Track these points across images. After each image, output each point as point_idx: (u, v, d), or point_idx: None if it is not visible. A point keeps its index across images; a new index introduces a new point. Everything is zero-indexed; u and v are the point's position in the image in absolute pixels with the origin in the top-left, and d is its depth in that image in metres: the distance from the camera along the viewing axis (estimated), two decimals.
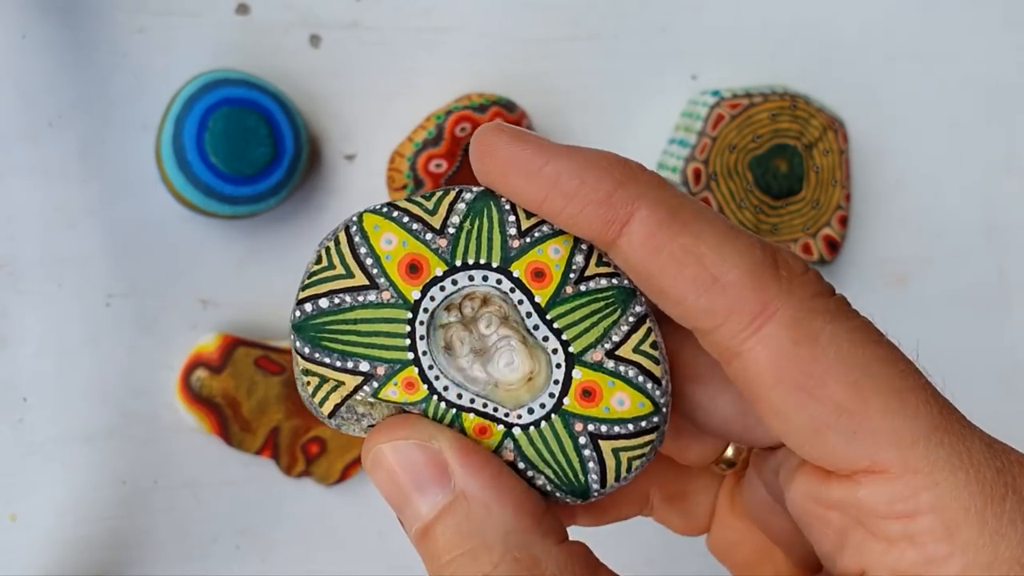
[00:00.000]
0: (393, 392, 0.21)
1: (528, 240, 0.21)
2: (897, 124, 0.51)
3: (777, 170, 0.47)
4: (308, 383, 0.21)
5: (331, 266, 0.21)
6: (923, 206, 0.51)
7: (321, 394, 0.21)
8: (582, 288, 0.21)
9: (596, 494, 0.21)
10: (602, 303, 0.21)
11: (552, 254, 0.21)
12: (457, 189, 0.21)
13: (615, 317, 0.21)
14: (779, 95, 0.47)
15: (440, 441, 0.20)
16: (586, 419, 0.20)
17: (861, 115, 0.50)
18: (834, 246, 0.48)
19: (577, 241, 0.21)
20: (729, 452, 0.25)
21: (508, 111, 0.44)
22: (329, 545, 0.45)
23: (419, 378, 0.21)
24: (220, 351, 0.42)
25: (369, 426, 0.21)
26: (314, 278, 0.21)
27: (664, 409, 0.21)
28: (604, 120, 0.47)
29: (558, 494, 0.21)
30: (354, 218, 0.21)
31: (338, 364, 0.21)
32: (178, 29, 0.42)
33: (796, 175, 0.47)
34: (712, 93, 0.47)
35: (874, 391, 0.19)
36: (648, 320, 0.21)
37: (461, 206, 0.21)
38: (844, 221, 0.48)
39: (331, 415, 0.21)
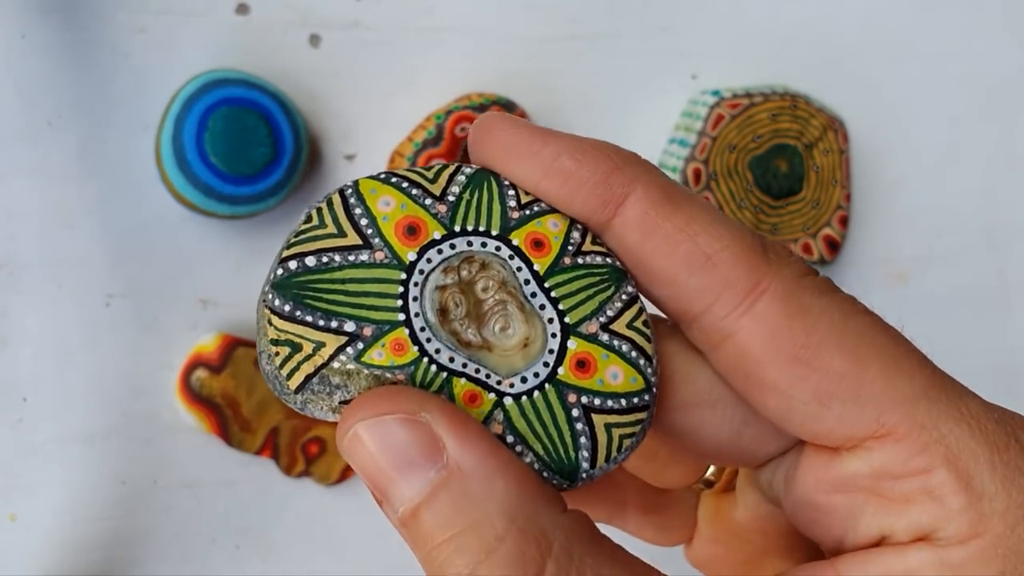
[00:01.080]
0: (379, 355, 0.19)
1: (528, 212, 0.21)
2: (897, 124, 0.51)
3: (777, 170, 0.47)
4: (277, 354, 0.19)
5: (321, 224, 0.20)
6: (923, 206, 0.51)
7: (290, 365, 0.19)
8: (579, 261, 0.21)
9: (584, 475, 0.20)
10: (597, 278, 0.21)
11: (551, 227, 0.21)
12: (457, 164, 0.21)
13: (609, 293, 0.21)
14: (779, 95, 0.47)
15: (431, 413, 0.18)
16: (580, 390, 0.20)
17: (861, 115, 0.49)
18: (834, 246, 0.48)
19: (572, 221, 0.21)
20: (709, 472, 0.24)
21: (508, 111, 0.44)
22: (329, 545, 0.45)
23: (409, 340, 0.19)
24: (220, 351, 0.42)
25: (341, 402, 0.19)
26: (301, 236, 0.20)
27: (654, 389, 0.21)
28: (604, 120, 0.47)
29: (545, 474, 0.19)
30: (349, 183, 0.20)
31: (321, 323, 0.19)
32: (178, 29, 0.42)
33: (796, 175, 0.47)
34: (712, 93, 0.47)
35: (871, 356, 0.19)
36: (639, 301, 0.21)
37: (461, 178, 0.21)
38: (844, 221, 0.48)
39: (299, 389, 0.19)
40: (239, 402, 0.42)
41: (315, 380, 0.19)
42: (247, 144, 0.41)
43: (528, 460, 0.19)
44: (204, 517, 0.43)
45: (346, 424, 0.19)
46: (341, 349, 0.19)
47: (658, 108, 0.48)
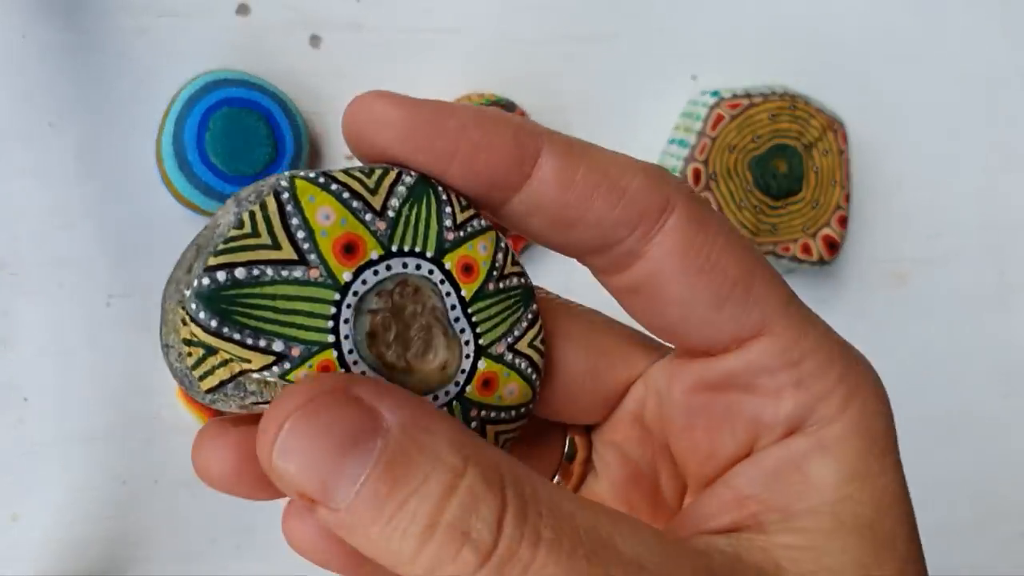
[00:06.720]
0: (304, 375, 0.19)
1: (462, 234, 0.21)
2: (897, 124, 0.51)
3: (776, 170, 0.47)
4: (190, 354, 0.19)
5: (255, 234, 0.19)
6: (923, 206, 0.51)
7: (204, 368, 0.19)
8: (500, 286, 0.22)
9: None
10: (511, 300, 0.22)
11: (480, 250, 0.21)
12: (397, 171, 0.21)
13: (519, 314, 0.22)
14: (779, 95, 0.47)
15: (358, 386, 0.18)
16: (481, 406, 0.21)
17: (861, 115, 0.50)
18: (834, 246, 0.48)
19: (499, 239, 0.22)
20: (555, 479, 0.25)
21: (508, 111, 0.44)
22: None
23: (336, 362, 0.19)
24: None
25: (253, 403, 0.19)
26: (232, 244, 0.19)
27: (536, 396, 0.22)
28: (604, 120, 0.47)
29: None
30: (283, 183, 0.19)
31: (248, 341, 0.18)
32: (179, 30, 0.42)
33: (796, 175, 0.47)
34: (712, 93, 0.47)
35: (756, 265, 0.21)
36: (540, 318, 0.22)
37: (401, 189, 0.21)
38: (843, 221, 0.48)
39: (212, 390, 0.19)
40: None
41: (230, 385, 0.19)
42: (248, 144, 0.41)
43: None
44: (204, 517, 0.44)
45: (275, 423, 0.18)
46: (267, 367, 0.19)
47: (658, 108, 0.48)
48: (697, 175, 0.45)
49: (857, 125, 0.49)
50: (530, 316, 0.22)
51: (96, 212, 0.42)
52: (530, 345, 0.22)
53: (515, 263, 0.22)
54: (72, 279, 0.42)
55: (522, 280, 0.22)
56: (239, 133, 0.41)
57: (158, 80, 0.42)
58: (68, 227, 0.42)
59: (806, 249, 0.47)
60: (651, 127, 0.48)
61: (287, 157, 0.42)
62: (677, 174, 0.46)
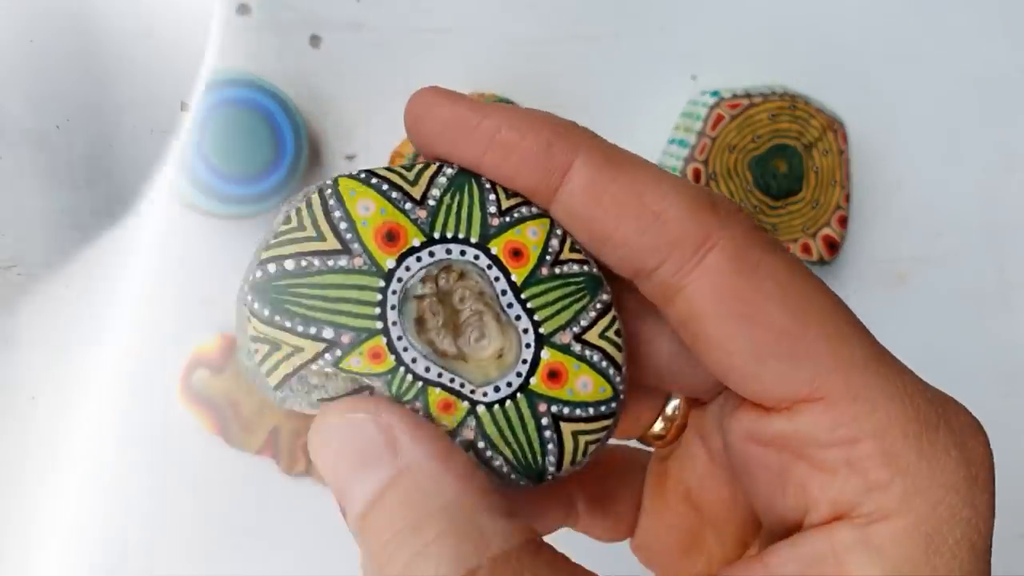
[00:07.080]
0: (357, 362, 0.19)
1: (508, 220, 0.21)
2: (897, 124, 0.51)
3: (776, 170, 0.47)
4: (257, 351, 0.20)
5: (300, 227, 0.20)
6: (923, 206, 0.51)
7: (270, 363, 0.19)
8: (556, 271, 0.21)
9: (550, 477, 0.21)
10: (573, 287, 0.21)
11: (531, 235, 0.21)
12: (438, 164, 0.21)
13: (584, 302, 0.21)
14: (779, 95, 0.47)
15: (390, 415, 0.19)
16: (551, 400, 0.20)
17: (861, 115, 0.50)
18: (834, 246, 0.48)
19: (553, 225, 0.21)
20: (658, 427, 0.24)
21: None
22: (329, 545, 0.45)
23: (387, 348, 0.19)
24: (221, 351, 0.42)
25: (319, 399, 0.20)
26: (280, 238, 0.20)
27: (622, 396, 0.21)
28: (604, 120, 0.47)
29: (513, 476, 0.20)
30: (328, 182, 0.20)
31: (300, 329, 0.19)
32: (179, 30, 0.42)
33: (796, 175, 0.47)
34: (712, 93, 0.47)
35: (812, 318, 0.19)
36: (613, 308, 0.21)
37: (442, 180, 0.21)
38: (844, 221, 0.48)
39: (278, 386, 0.20)
40: (239, 402, 0.42)
41: (294, 379, 0.20)
42: (248, 144, 0.41)
43: (497, 463, 0.20)
44: (204, 517, 0.44)
45: (315, 426, 0.19)
46: (319, 355, 0.19)
47: (658, 108, 0.48)
48: (697, 175, 0.45)
49: (857, 125, 0.49)
50: (599, 306, 0.21)
51: (101, 212, 0.42)
52: (602, 336, 0.21)
53: (575, 250, 0.21)
54: (77, 279, 0.42)
55: (585, 267, 0.21)
56: (239, 133, 0.41)
57: (159, 81, 0.42)
58: (74, 228, 0.42)
59: (806, 249, 0.47)
60: (651, 127, 0.48)
61: (287, 157, 0.42)
62: (677, 174, 0.46)
